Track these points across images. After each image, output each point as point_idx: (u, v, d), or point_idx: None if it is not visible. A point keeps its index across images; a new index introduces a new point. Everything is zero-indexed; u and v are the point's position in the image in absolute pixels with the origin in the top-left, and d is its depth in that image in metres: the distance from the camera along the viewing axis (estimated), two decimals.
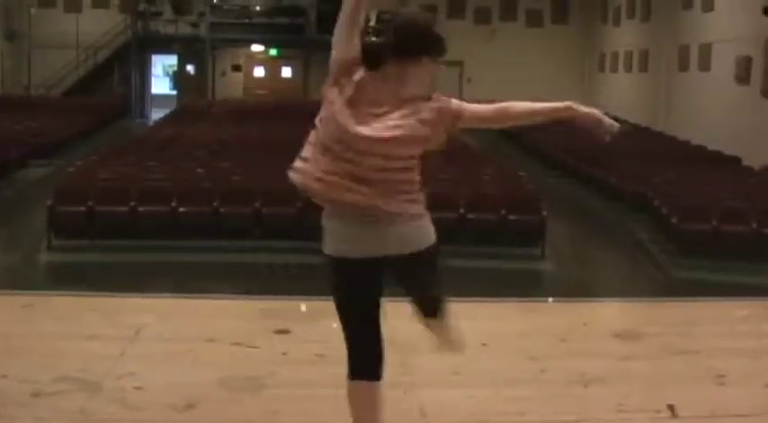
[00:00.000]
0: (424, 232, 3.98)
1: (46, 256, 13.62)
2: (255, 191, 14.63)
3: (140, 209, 14.33)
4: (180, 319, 6.79)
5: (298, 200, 14.41)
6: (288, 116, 25.10)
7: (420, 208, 3.97)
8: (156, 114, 32.28)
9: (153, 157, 17.73)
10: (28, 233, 14.79)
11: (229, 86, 37.41)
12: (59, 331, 6.34)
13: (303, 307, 7.17)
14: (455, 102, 3.96)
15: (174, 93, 38.03)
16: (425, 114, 3.86)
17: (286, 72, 38.22)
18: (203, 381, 5.33)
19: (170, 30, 35.71)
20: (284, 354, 5.94)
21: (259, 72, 38.54)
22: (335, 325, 6.48)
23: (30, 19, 34.47)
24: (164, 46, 36.40)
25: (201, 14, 35.57)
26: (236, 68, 38.14)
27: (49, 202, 13.98)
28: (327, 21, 34.07)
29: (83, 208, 14.14)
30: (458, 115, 3.94)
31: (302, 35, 34.82)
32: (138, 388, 5.19)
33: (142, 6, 35.35)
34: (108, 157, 18.37)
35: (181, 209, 14.40)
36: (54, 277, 12.91)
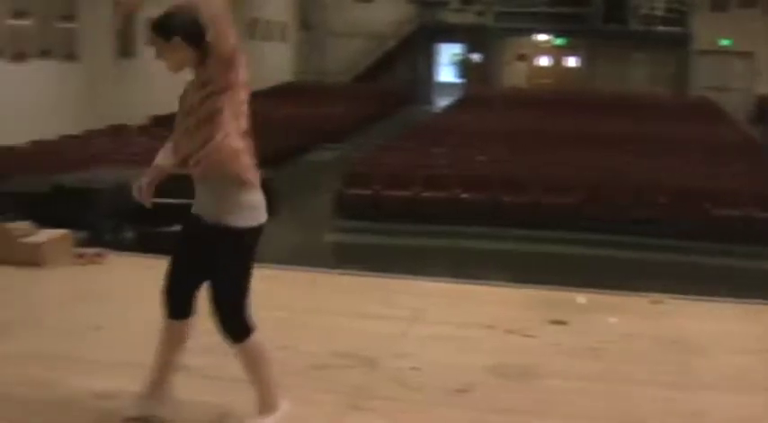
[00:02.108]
0: None
1: (332, 237, 14.20)
2: (534, 180, 14.62)
3: (424, 194, 14.65)
4: (458, 304, 6.89)
5: (576, 191, 14.31)
6: (571, 106, 24.84)
7: None
8: (442, 102, 32.84)
9: (437, 144, 18.05)
10: (316, 214, 15.46)
11: (513, 75, 37.50)
12: (341, 308, 6.60)
13: (581, 299, 7.08)
14: None
15: (459, 81, 38.56)
16: None
17: (570, 62, 37.80)
18: (477, 366, 5.38)
19: (456, 19, 36.23)
20: (558, 345, 5.91)
21: (543, 61, 38.36)
22: (613, 320, 6.43)
23: (325, 9, 36.09)
24: (449, 35, 36.96)
25: (488, 4, 35.87)
26: (521, 58, 38.17)
27: (338, 186, 14.59)
28: (614, 11, 33.56)
29: (369, 191, 14.63)
30: None
31: (587, 25, 34.34)
32: (414, 369, 5.30)
33: None
34: (394, 142, 18.89)
35: (462, 195, 14.61)
36: (339, 256, 13.41)
